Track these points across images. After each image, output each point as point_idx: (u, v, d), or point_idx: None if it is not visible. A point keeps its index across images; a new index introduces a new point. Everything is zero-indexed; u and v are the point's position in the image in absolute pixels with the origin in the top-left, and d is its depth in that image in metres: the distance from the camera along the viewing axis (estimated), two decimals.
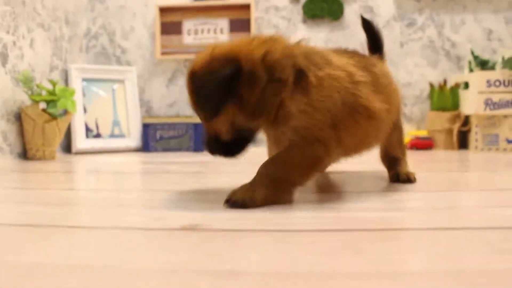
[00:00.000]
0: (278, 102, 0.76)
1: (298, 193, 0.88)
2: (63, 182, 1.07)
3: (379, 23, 2.29)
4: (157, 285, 0.39)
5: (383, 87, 0.89)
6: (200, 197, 0.85)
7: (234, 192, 0.75)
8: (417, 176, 1.12)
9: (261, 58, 0.74)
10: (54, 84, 1.76)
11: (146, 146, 2.14)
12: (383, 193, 0.89)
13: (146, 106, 2.37)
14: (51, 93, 1.75)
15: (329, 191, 0.92)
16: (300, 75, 0.76)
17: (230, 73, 0.73)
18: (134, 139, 2.22)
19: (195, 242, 0.54)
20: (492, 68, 2.08)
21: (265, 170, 0.76)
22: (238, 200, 0.73)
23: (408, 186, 0.98)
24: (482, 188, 0.95)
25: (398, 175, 1.03)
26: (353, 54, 0.91)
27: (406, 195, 0.87)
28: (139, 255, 0.48)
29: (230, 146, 0.80)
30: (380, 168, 1.29)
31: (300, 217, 0.67)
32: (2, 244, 0.53)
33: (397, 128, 1.05)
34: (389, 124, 0.93)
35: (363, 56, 0.93)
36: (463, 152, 2.04)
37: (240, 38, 0.81)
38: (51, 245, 0.52)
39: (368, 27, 1.10)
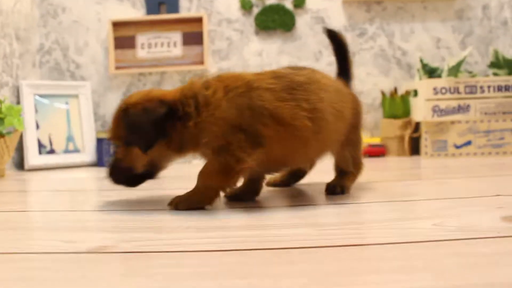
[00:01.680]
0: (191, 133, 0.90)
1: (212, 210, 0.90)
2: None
3: None
4: None
5: (311, 98, 0.90)
6: (123, 217, 0.86)
7: (177, 196, 0.92)
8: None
9: (180, 99, 0.91)
10: (0, 102, 1.74)
11: (100, 161, 2.13)
12: (301, 207, 0.91)
13: (101, 121, 2.36)
14: None
15: (260, 207, 0.93)
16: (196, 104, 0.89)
17: (163, 113, 0.88)
18: (88, 154, 2.21)
19: (98, 266, 0.54)
20: (439, 76, 2.14)
21: (197, 181, 0.92)
22: (173, 202, 0.91)
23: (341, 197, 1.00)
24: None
25: (333, 187, 1.04)
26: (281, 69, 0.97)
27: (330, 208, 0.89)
28: (39, 284, 0.49)
29: (137, 178, 0.99)
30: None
31: (205, 237, 0.69)
32: None
33: (350, 143, 1.06)
34: (317, 139, 0.93)
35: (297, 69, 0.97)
36: (415, 158, 2.09)
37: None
38: None
39: (334, 38, 1.14)
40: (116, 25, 2.29)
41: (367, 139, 2.31)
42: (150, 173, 0.98)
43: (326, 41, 2.30)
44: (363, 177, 1.17)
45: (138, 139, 0.90)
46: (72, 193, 1.22)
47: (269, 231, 0.70)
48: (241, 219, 0.80)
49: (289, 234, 0.69)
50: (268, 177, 1.11)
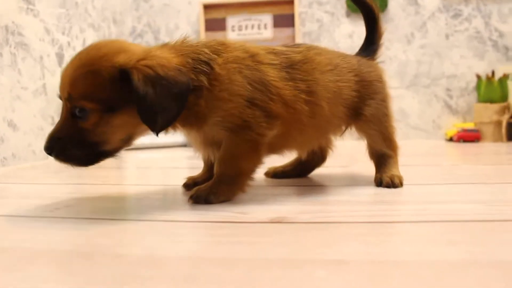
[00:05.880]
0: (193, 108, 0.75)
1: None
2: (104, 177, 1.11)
3: (424, 15, 2.27)
4: None
5: (307, 79, 0.84)
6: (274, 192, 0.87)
7: (199, 189, 0.78)
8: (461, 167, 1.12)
9: (192, 66, 0.74)
10: None
11: None
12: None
13: None
14: None
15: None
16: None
17: (189, 86, 0.72)
18: (180, 135, 2.25)
19: (296, 233, 0.56)
20: None
21: (219, 170, 0.79)
22: (202, 196, 0.76)
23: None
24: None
25: (381, 179, 0.92)
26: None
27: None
28: (248, 248, 0.50)
29: (97, 156, 0.74)
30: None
31: (374, 209, 0.69)
32: None
33: (374, 120, 0.96)
34: (312, 125, 0.86)
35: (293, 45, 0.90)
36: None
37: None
38: None
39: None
40: (207, 7, 2.32)
41: (460, 123, 2.25)
42: (115, 150, 0.76)
43: (418, 23, 2.25)
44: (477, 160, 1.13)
45: (154, 115, 0.69)
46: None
47: (437, 206, 0.70)
48: (377, 195, 0.80)
49: (453, 208, 0.68)
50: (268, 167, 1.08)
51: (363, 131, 0.98)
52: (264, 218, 0.65)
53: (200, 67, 0.74)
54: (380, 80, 1.00)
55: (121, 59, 0.69)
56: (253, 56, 0.79)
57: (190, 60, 0.74)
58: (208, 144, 0.82)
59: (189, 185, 0.92)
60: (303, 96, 0.82)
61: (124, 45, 0.74)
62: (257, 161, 0.80)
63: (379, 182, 0.92)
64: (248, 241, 0.54)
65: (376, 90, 0.98)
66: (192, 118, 0.76)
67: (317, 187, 0.93)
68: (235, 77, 0.75)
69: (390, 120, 1.00)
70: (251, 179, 0.81)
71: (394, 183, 0.90)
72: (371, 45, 1.05)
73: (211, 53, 0.76)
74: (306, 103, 0.83)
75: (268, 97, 0.77)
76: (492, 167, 1.20)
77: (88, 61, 0.70)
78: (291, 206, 0.74)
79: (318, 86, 0.85)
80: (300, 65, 0.84)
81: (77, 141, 0.71)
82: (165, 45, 0.78)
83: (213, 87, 0.74)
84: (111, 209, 0.74)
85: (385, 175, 0.93)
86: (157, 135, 0.72)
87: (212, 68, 0.74)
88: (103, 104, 0.69)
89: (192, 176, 0.94)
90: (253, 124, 0.76)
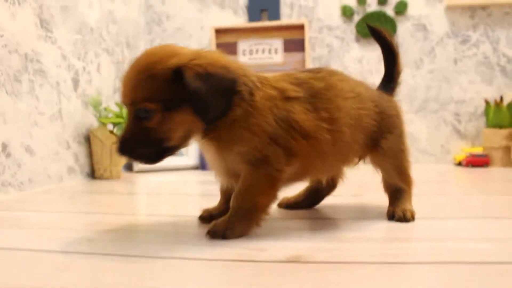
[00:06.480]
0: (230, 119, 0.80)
1: None
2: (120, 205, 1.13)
3: (432, 40, 2.30)
4: None
5: (329, 107, 0.86)
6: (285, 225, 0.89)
7: (215, 224, 0.81)
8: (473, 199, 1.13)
9: (244, 75, 0.81)
10: (121, 107, 1.84)
11: (202, 164, 2.20)
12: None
13: None
14: (118, 115, 1.83)
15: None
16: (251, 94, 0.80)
17: (236, 84, 0.79)
18: (192, 157, 2.29)
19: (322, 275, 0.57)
20: None
21: (236, 203, 0.82)
22: (219, 231, 0.80)
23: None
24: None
25: (393, 213, 0.94)
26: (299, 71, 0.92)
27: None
28: None
29: (162, 153, 0.80)
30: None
31: (388, 248, 0.70)
32: None
33: (390, 154, 0.98)
34: (333, 151, 0.88)
35: (315, 70, 0.92)
36: None
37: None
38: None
39: (379, 37, 1.06)
40: (219, 32, 2.36)
41: (469, 148, 2.26)
42: (177, 147, 0.82)
43: (427, 48, 2.28)
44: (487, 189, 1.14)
45: (205, 107, 0.76)
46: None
47: (449, 244, 0.71)
48: (389, 231, 0.81)
49: (467, 248, 0.69)
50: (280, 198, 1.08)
51: (379, 164, 1.00)
52: (281, 257, 0.67)
53: (247, 80, 0.80)
54: (398, 115, 1.02)
55: (174, 61, 0.77)
56: (282, 92, 0.83)
57: (239, 65, 0.82)
58: (231, 174, 0.85)
59: (205, 217, 0.94)
60: (325, 125, 0.85)
61: (176, 49, 0.81)
62: (273, 197, 0.83)
63: (391, 215, 0.94)
64: (267, 283, 0.55)
65: (395, 124, 1.00)
66: (223, 128, 0.80)
67: (330, 220, 0.94)
68: (266, 113, 0.80)
69: (406, 155, 1.01)
70: (267, 213, 0.83)
71: (406, 217, 0.92)
72: (389, 82, 1.07)
73: (256, 82, 0.82)
74: (328, 132, 0.85)
75: (290, 135, 0.81)
76: (504, 197, 1.20)
77: (145, 66, 0.77)
78: (306, 242, 0.75)
79: (341, 113, 0.87)
80: (323, 92, 0.87)
81: (144, 140, 0.78)
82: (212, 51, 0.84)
83: (248, 112, 0.79)
84: (130, 244, 0.76)
85: (397, 209, 0.94)
86: (207, 124, 0.78)
87: (253, 95, 0.80)
88: (163, 103, 0.76)
89: (208, 209, 0.96)
90: (273, 159, 0.80)
